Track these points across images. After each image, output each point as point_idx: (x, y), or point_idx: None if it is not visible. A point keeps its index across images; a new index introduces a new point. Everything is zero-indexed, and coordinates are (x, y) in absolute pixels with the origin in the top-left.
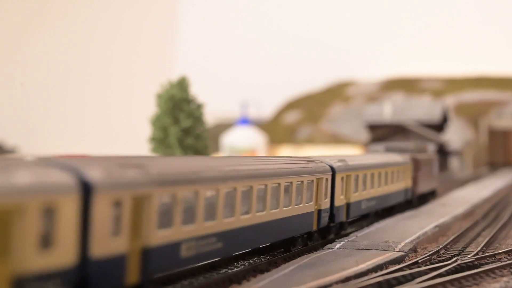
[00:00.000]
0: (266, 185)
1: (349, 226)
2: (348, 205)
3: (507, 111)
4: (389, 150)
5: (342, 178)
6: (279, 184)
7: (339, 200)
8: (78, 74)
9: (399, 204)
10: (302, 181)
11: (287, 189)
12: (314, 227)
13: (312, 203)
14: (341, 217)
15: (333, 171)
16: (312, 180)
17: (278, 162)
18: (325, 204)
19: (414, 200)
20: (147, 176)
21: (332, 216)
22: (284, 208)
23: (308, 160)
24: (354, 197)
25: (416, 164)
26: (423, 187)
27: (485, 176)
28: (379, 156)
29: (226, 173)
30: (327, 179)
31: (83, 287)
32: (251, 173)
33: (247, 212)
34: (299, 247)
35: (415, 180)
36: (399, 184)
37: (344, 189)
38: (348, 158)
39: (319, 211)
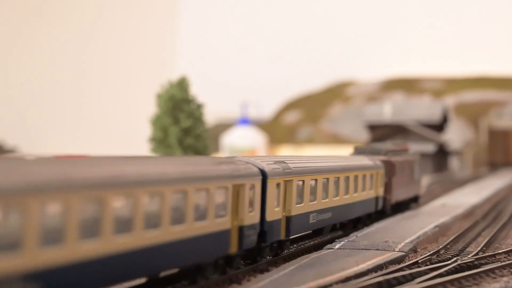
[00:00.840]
0: (136, 197)
1: (298, 243)
2: (288, 219)
3: (507, 111)
4: (359, 152)
5: (278, 185)
6: (162, 194)
7: (274, 213)
8: (78, 74)
9: (367, 216)
10: (208, 189)
11: (179, 201)
12: (233, 249)
13: (227, 218)
14: (278, 234)
15: (264, 175)
16: (227, 188)
17: (163, 163)
18: (251, 218)
19: (387, 210)
20: None
21: (263, 234)
22: (174, 228)
23: (223, 161)
24: (298, 208)
25: (390, 168)
26: (400, 195)
27: (485, 176)
28: (340, 158)
29: (48, 180)
30: (253, 186)
31: None
32: (103, 180)
33: (94, 238)
34: (212, 276)
35: (388, 187)
36: (367, 192)
37: (282, 198)
38: (290, 160)
39: (241, 229)
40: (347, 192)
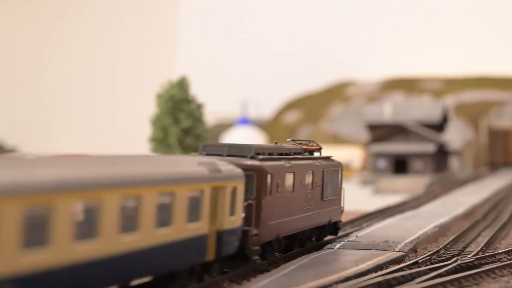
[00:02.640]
0: None
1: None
2: None
3: (507, 111)
4: (210, 152)
5: None
6: None
7: None
8: (78, 74)
9: (203, 268)
10: None
11: None
12: None
13: None
14: None
15: None
16: None
17: None
18: None
19: (252, 253)
20: None
21: None
22: None
23: None
24: None
25: (261, 180)
26: (290, 224)
27: (485, 176)
28: (102, 161)
29: None
30: None
31: None
32: None
33: None
34: None
35: (256, 212)
36: (183, 227)
37: None
38: None
39: None
40: (115, 232)
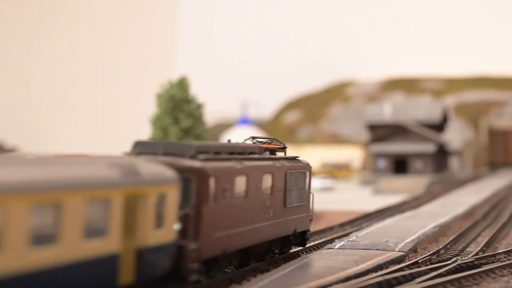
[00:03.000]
0: None
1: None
2: None
3: (507, 111)
4: (142, 150)
5: None
6: None
7: None
8: (78, 74)
9: None
10: None
11: None
12: None
13: None
14: None
15: None
16: None
17: None
18: None
19: (189, 273)
20: None
21: None
22: None
23: None
24: None
25: (201, 183)
26: (240, 236)
27: (485, 176)
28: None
29: None
30: None
31: None
32: None
33: None
34: None
35: (195, 223)
36: (81, 246)
37: None
38: None
39: None
40: None
